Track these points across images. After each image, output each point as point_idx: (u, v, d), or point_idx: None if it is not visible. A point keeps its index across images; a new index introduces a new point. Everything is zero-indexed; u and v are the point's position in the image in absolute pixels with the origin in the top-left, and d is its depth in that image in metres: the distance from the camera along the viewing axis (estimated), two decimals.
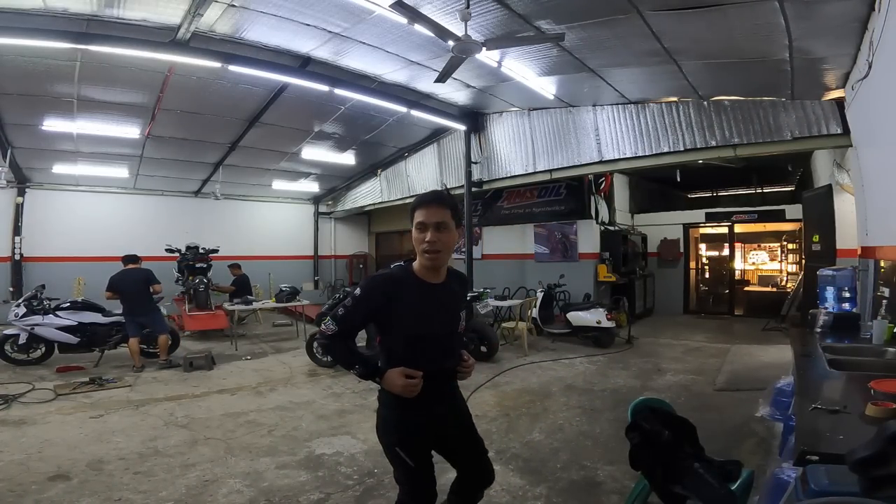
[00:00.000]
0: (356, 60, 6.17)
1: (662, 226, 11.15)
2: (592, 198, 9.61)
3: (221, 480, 3.27)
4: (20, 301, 6.57)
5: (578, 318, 7.63)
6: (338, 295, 6.82)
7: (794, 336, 3.46)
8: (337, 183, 12.72)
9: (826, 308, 3.91)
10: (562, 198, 9.74)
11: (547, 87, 6.69)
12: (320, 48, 5.79)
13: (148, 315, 6.43)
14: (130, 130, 7.72)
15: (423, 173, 10.54)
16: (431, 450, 1.94)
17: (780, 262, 11.55)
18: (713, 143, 6.34)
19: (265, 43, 5.71)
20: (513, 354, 6.95)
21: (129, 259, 6.67)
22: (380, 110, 7.86)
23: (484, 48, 4.26)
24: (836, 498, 1.28)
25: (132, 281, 6.39)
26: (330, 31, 5.31)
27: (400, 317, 1.78)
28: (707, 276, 11.64)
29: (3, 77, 5.99)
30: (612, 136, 7.25)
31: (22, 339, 6.31)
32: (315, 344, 6.60)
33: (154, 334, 6.59)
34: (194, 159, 9.73)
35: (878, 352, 2.89)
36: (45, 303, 6.52)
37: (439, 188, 2.08)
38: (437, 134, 9.80)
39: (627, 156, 7.16)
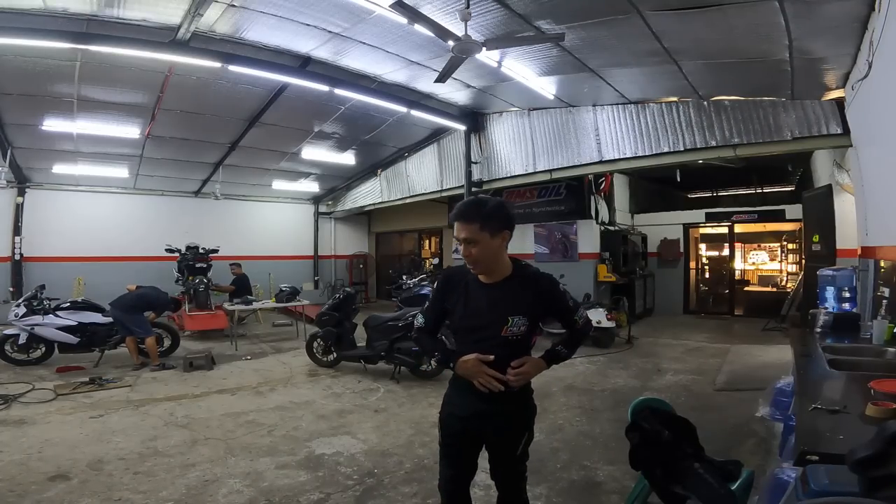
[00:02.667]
0: (356, 60, 6.17)
1: (662, 226, 11.15)
2: (592, 198, 9.61)
3: (221, 480, 3.27)
4: (20, 301, 6.57)
5: None
6: (338, 295, 6.81)
7: (794, 336, 3.47)
8: (337, 183, 12.72)
9: (826, 308, 3.91)
10: (562, 198, 9.73)
11: (547, 87, 6.68)
12: (320, 48, 5.79)
13: (127, 315, 6.30)
14: (130, 130, 7.73)
15: (423, 173, 10.54)
16: (469, 443, 1.96)
17: (780, 262, 11.56)
18: (713, 143, 6.33)
19: (265, 43, 5.71)
20: None
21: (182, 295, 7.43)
22: (380, 110, 7.85)
23: (484, 48, 4.25)
24: (836, 498, 1.28)
25: (149, 293, 6.63)
26: (330, 31, 5.31)
27: (452, 309, 1.94)
28: (707, 276, 11.64)
29: (3, 77, 5.99)
30: (612, 136, 7.25)
31: (22, 339, 6.31)
32: (315, 344, 6.60)
33: (138, 336, 6.44)
34: (194, 159, 9.73)
35: (878, 352, 2.89)
36: (45, 303, 6.51)
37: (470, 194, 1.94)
38: (437, 134, 9.79)
39: (627, 156, 7.15)
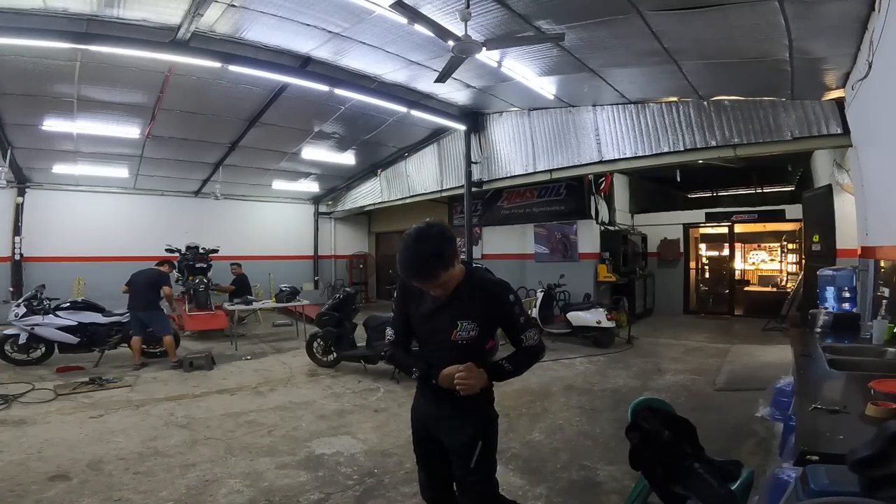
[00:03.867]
0: (356, 60, 6.16)
1: (662, 226, 11.15)
2: (592, 198, 9.62)
3: (221, 480, 3.27)
4: (20, 301, 6.57)
5: (578, 318, 7.63)
6: (338, 295, 6.81)
7: (794, 336, 3.47)
8: (337, 183, 12.72)
9: (826, 308, 3.90)
10: (562, 198, 9.74)
11: (547, 87, 6.68)
12: (320, 48, 5.79)
13: (148, 313, 6.42)
14: (130, 130, 7.72)
15: (423, 173, 10.54)
16: (434, 445, 1.96)
17: (780, 262, 11.55)
18: (713, 143, 6.33)
19: (265, 43, 5.71)
20: None
21: (160, 262, 6.94)
22: (380, 110, 7.86)
23: (484, 48, 4.25)
24: (836, 498, 1.28)
25: (143, 278, 6.50)
26: (330, 31, 5.31)
27: (412, 314, 1.93)
28: (707, 276, 11.63)
29: (3, 77, 5.99)
30: (612, 136, 7.25)
31: (22, 339, 6.31)
32: (315, 344, 6.60)
33: (156, 335, 6.58)
34: (194, 159, 9.73)
35: (878, 352, 2.89)
36: (45, 303, 6.52)
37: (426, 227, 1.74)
38: (437, 134, 9.79)
39: (627, 156, 7.16)
